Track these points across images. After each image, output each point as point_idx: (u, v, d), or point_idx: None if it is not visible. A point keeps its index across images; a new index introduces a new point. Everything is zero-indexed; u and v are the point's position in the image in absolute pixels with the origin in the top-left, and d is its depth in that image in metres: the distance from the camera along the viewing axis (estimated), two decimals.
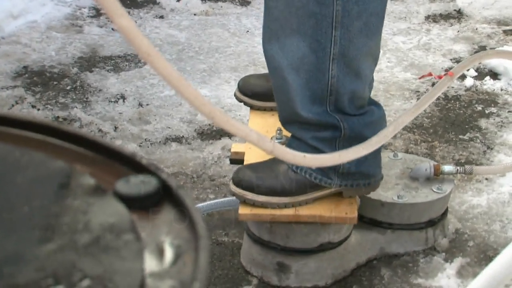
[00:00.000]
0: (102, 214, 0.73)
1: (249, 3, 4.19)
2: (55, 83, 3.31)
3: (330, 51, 1.94)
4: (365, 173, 2.10)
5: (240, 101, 2.52)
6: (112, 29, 3.79)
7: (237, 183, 2.12)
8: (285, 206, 2.10)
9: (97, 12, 3.99)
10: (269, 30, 2.02)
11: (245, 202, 2.11)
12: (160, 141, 2.89)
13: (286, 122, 2.13)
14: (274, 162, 2.11)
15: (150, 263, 0.69)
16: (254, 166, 2.16)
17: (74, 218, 0.73)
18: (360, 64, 1.99)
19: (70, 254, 0.69)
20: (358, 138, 1.99)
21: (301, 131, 2.07)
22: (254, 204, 2.10)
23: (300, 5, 1.91)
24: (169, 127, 2.98)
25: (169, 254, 0.71)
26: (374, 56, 2.05)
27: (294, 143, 2.10)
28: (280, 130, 2.28)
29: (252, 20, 3.96)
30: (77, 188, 0.78)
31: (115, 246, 0.70)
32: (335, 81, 1.98)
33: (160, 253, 0.71)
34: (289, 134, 2.19)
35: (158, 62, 0.97)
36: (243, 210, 2.11)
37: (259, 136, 1.24)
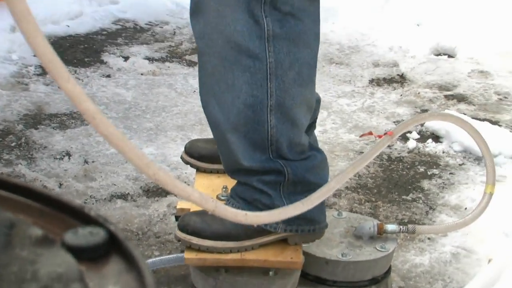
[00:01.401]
0: (50, 264, 0.74)
1: (196, 63, 4.23)
2: None
3: (267, 103, 1.97)
4: (309, 219, 2.12)
5: (187, 163, 2.53)
6: (58, 87, 3.78)
7: (182, 228, 2.12)
8: (231, 251, 2.11)
9: (43, 70, 3.99)
10: (205, 85, 2.05)
11: (190, 247, 2.11)
12: (105, 198, 2.88)
13: (231, 171, 2.15)
14: None
15: None
16: (199, 212, 2.16)
17: (22, 268, 0.73)
18: (296, 113, 2.03)
19: None
20: (302, 182, 2.03)
21: (246, 177, 2.10)
22: (199, 249, 2.10)
23: (233, 60, 1.94)
24: (115, 184, 2.97)
25: None
26: (309, 105, 2.09)
27: (239, 188, 2.12)
28: (226, 188, 2.30)
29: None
30: (24, 238, 0.78)
31: None
32: (275, 131, 2.01)
33: None
34: None
35: (102, 124, 0.98)
36: (189, 255, 2.11)
37: (201, 195, 1.25)
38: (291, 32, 1.94)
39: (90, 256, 0.77)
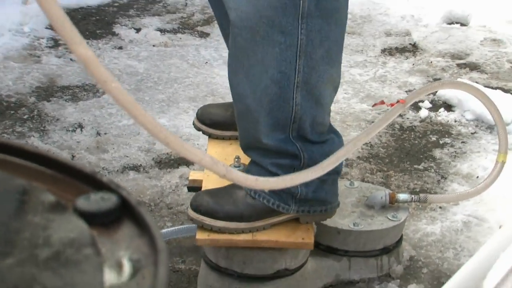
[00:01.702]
0: (63, 230, 0.75)
1: (208, 35, 4.23)
2: (12, 112, 3.31)
3: (294, 80, 1.97)
4: (322, 200, 2.13)
5: (199, 129, 2.52)
6: (71, 59, 3.79)
7: (195, 209, 2.13)
8: (243, 231, 2.12)
9: (55, 43, 3.99)
10: (235, 57, 2.04)
11: (203, 227, 2.13)
12: (118, 170, 2.89)
13: (247, 148, 2.15)
14: (233, 188, 2.13)
15: (110, 277, 0.71)
16: (212, 192, 2.17)
17: (34, 234, 0.75)
18: (322, 91, 2.03)
19: (31, 268, 0.70)
20: None
21: (261, 157, 2.10)
22: (211, 230, 2.12)
23: (264, 34, 1.93)
24: (127, 156, 2.98)
25: (128, 268, 0.72)
26: (335, 84, 2.08)
27: (253, 168, 2.13)
28: (238, 158, 2.30)
29: (211, 51, 3.99)
30: (37, 204, 0.79)
31: (75, 260, 0.71)
32: (299, 109, 2.01)
33: (119, 267, 0.72)
34: (247, 162, 2.21)
35: (114, 89, 0.99)
36: (201, 235, 2.13)
37: (212, 160, 1.26)
38: (326, 9, 1.93)
39: (102, 221, 0.78)
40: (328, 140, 2.10)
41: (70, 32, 0.91)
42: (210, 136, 2.51)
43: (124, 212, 0.79)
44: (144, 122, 1.05)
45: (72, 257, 0.71)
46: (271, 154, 2.07)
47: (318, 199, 2.12)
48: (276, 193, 2.10)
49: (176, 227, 2.45)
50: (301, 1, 1.89)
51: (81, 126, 3.19)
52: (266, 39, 1.93)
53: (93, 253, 0.72)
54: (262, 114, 2.02)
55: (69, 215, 0.77)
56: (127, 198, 0.79)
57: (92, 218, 0.77)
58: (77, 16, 4.37)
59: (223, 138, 2.49)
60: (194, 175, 2.46)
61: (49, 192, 0.80)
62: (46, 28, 4.08)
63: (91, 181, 0.83)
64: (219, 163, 1.30)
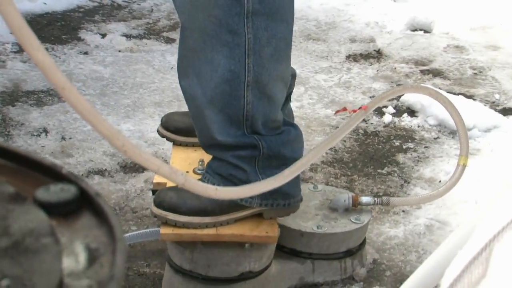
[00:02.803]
0: (22, 220, 0.76)
1: (173, 40, 4.24)
2: None
3: (245, 79, 1.99)
4: (284, 193, 2.14)
5: (163, 136, 2.54)
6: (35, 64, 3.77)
7: (158, 204, 2.14)
8: (207, 226, 2.13)
9: (20, 48, 3.98)
10: (185, 59, 2.06)
11: (166, 223, 2.13)
12: (83, 174, 2.89)
13: (206, 146, 2.17)
14: None
15: (69, 265, 0.72)
16: (175, 188, 2.18)
17: None
18: (272, 89, 2.05)
19: None
20: (277, 156, 2.05)
21: (221, 152, 2.11)
22: (175, 225, 2.12)
23: (213, 34, 1.96)
24: (92, 160, 2.98)
25: (86, 256, 0.73)
26: (285, 80, 2.11)
27: (215, 163, 2.14)
28: (202, 161, 2.31)
29: (177, 57, 3.99)
30: None
31: (34, 249, 0.72)
32: (250, 107, 2.03)
33: (78, 255, 0.73)
34: None
35: (72, 95, 0.99)
36: (165, 231, 2.13)
37: (170, 169, 1.25)
38: (270, 7, 1.96)
39: (61, 211, 0.78)
40: (284, 131, 2.12)
41: (28, 37, 0.91)
42: (175, 143, 2.53)
43: (83, 203, 0.80)
44: (101, 129, 1.05)
45: (31, 246, 0.72)
46: (230, 148, 2.09)
47: (281, 192, 2.13)
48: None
49: (140, 231, 2.45)
50: (245, 0, 1.92)
51: (46, 131, 3.18)
52: (215, 38, 1.96)
53: (52, 242, 0.73)
54: (214, 113, 2.03)
55: (29, 206, 0.77)
56: (86, 189, 0.80)
57: (52, 209, 0.78)
58: (43, 21, 4.36)
59: (186, 144, 2.51)
60: (158, 178, 2.45)
61: (8, 184, 0.81)
62: (11, 33, 4.05)
63: (50, 173, 0.83)
64: (177, 172, 1.29)
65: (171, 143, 2.55)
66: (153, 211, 2.16)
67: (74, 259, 0.73)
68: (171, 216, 2.12)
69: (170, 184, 2.29)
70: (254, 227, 2.16)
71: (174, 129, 2.51)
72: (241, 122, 2.05)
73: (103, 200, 0.78)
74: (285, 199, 2.17)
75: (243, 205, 2.14)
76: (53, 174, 0.83)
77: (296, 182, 2.19)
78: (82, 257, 0.73)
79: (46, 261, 0.71)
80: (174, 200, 2.13)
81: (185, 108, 2.96)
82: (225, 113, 2.04)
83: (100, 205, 0.78)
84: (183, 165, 2.37)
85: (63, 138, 3.13)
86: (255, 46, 1.96)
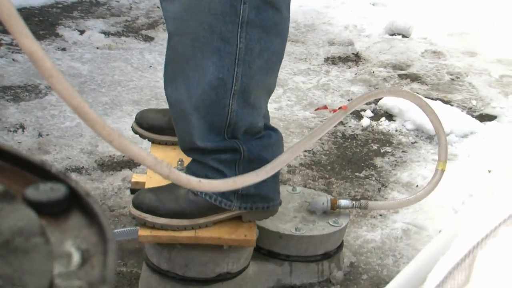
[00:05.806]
0: (11, 219, 0.75)
1: (152, 39, 4.22)
2: None
3: (232, 87, 1.99)
4: (264, 196, 2.14)
5: (136, 133, 2.53)
6: (13, 59, 3.75)
7: (137, 206, 2.13)
8: (185, 228, 2.12)
9: None
10: (173, 63, 2.05)
11: (145, 224, 2.12)
12: None
13: (185, 149, 2.17)
14: (175, 185, 2.13)
15: (59, 265, 0.71)
16: (154, 189, 2.18)
17: None
18: (257, 99, 2.05)
19: None
20: (257, 160, 2.05)
21: (201, 155, 2.11)
22: (154, 227, 2.12)
23: (204, 40, 1.95)
24: (69, 158, 2.96)
25: (77, 257, 0.72)
26: (270, 90, 2.12)
27: (194, 165, 2.14)
28: (182, 161, 2.31)
29: (155, 55, 3.99)
30: None
31: (24, 249, 0.71)
32: (234, 115, 2.03)
33: (68, 256, 0.72)
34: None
35: (60, 84, 0.98)
36: (143, 232, 2.12)
37: (155, 160, 1.25)
38: (266, 20, 1.95)
39: (51, 211, 0.78)
40: (265, 135, 2.13)
41: (16, 23, 0.90)
42: (150, 140, 2.52)
43: (73, 203, 0.79)
44: (88, 118, 1.04)
45: (21, 245, 0.71)
46: (210, 153, 2.09)
47: (260, 195, 2.13)
48: None
49: (118, 230, 2.44)
50: (241, 10, 1.91)
51: (22, 127, 3.15)
52: (206, 45, 1.95)
53: (42, 242, 0.72)
54: (197, 119, 2.03)
55: (18, 204, 0.76)
56: (76, 188, 0.79)
57: (41, 208, 0.77)
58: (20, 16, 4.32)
59: (159, 142, 2.50)
60: (136, 177, 2.45)
61: None
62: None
63: (40, 172, 0.82)
64: (162, 163, 1.29)
65: (150, 142, 2.54)
66: (131, 212, 2.15)
67: (64, 260, 0.72)
68: (150, 218, 2.12)
69: (149, 184, 2.28)
70: (232, 230, 2.16)
71: (148, 126, 2.50)
72: (222, 128, 2.05)
73: (93, 200, 0.78)
74: (264, 202, 2.17)
75: (221, 207, 2.13)
76: (43, 172, 0.82)
77: (275, 186, 2.19)
78: (73, 258, 0.72)
79: (36, 261, 0.70)
80: (152, 202, 2.12)
81: (163, 106, 2.96)
82: (207, 120, 2.03)
83: (90, 205, 0.77)
84: None
85: (40, 135, 3.11)
86: (245, 56, 1.96)
